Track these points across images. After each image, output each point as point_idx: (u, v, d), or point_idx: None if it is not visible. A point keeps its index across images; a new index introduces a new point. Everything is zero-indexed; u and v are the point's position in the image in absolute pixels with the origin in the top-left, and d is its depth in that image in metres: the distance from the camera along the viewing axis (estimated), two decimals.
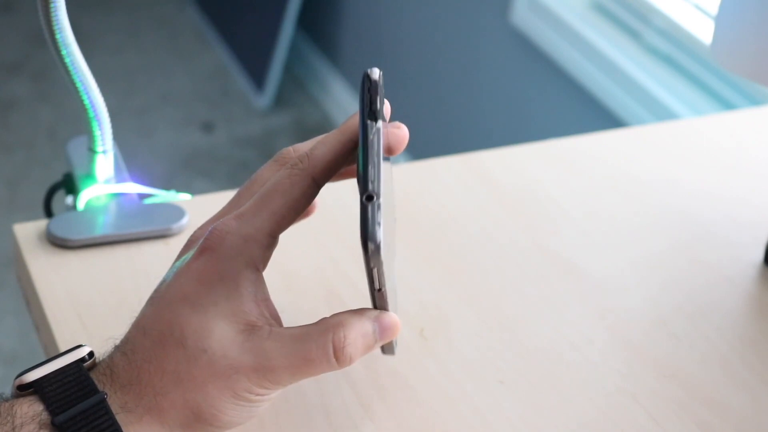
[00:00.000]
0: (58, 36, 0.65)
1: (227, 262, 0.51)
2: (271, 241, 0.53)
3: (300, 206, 0.53)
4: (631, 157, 0.86)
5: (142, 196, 0.74)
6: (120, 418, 0.49)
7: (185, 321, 0.51)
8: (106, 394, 0.50)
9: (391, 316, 0.54)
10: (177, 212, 0.72)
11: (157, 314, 0.52)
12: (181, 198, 0.75)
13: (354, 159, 0.55)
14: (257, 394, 0.51)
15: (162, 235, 0.71)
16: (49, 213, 0.76)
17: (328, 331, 0.51)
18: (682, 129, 0.94)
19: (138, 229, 0.71)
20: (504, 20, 1.92)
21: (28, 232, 0.71)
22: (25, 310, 0.71)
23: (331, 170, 0.54)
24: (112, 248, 0.70)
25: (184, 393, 0.50)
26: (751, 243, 0.77)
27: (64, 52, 0.66)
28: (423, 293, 0.69)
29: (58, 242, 0.70)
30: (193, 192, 0.76)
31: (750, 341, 0.68)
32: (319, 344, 0.51)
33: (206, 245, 0.52)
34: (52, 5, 0.63)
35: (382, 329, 0.53)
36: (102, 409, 0.49)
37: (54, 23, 0.64)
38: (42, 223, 0.71)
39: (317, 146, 0.54)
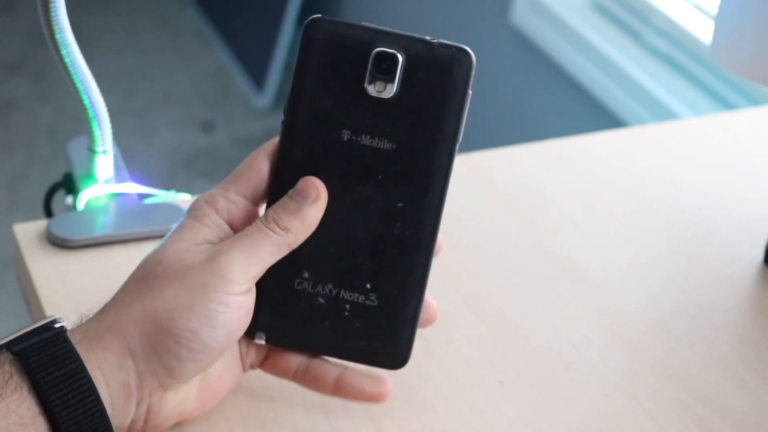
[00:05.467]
0: (58, 36, 0.65)
1: (198, 209, 0.56)
2: (239, 200, 0.56)
3: (254, 174, 0.57)
4: (631, 157, 0.86)
5: (142, 196, 0.74)
6: (81, 345, 0.51)
7: (151, 259, 0.54)
8: (65, 329, 0.52)
9: (310, 178, 0.56)
10: (177, 212, 0.72)
11: (135, 270, 0.55)
12: (181, 198, 0.75)
13: None
14: (214, 291, 0.52)
15: (162, 235, 0.71)
16: (49, 213, 0.76)
17: (261, 215, 0.56)
18: (682, 129, 0.94)
19: (138, 229, 0.71)
20: (504, 20, 1.92)
21: (28, 232, 0.71)
22: (25, 310, 0.71)
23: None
24: (112, 248, 0.70)
25: (142, 303, 0.52)
26: (751, 243, 0.77)
27: (64, 52, 0.66)
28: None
29: (58, 242, 0.70)
30: (193, 192, 0.76)
31: (750, 341, 0.68)
32: (255, 224, 0.55)
33: (187, 213, 0.57)
34: (52, 5, 0.63)
35: (299, 192, 0.56)
36: (60, 338, 0.51)
37: (54, 23, 0.64)
38: (42, 223, 0.71)
39: None
